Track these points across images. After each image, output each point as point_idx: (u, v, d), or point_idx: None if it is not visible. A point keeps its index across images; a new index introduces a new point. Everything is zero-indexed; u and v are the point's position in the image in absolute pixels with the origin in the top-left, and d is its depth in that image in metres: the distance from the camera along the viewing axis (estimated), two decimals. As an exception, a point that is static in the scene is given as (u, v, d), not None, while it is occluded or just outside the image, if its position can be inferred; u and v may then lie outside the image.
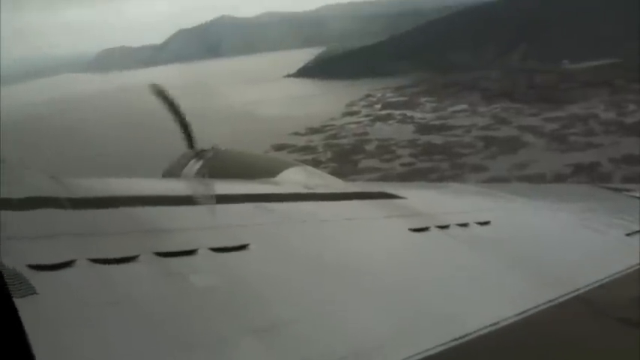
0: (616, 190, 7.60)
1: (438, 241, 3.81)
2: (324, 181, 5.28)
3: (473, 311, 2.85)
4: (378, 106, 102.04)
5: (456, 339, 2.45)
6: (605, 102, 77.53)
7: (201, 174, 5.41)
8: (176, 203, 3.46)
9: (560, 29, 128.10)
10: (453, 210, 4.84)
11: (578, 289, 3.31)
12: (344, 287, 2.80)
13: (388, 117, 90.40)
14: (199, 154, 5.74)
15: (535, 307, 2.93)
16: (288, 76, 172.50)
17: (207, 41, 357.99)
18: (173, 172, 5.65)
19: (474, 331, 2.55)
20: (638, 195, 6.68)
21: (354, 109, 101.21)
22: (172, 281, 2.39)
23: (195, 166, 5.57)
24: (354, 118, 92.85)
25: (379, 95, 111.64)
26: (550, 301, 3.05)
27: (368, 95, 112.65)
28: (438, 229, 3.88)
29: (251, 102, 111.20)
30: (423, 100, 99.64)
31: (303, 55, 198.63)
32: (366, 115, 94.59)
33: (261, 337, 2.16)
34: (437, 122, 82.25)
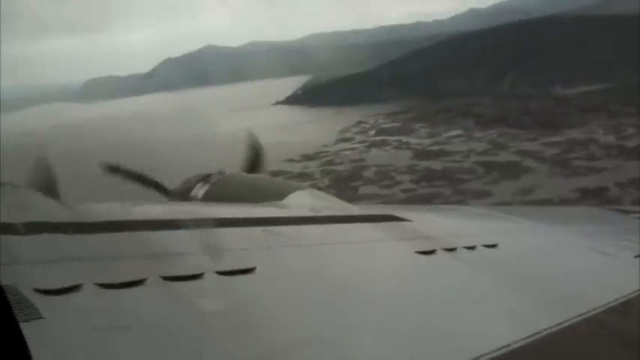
0: (624, 212, 7.55)
1: (445, 264, 3.76)
2: (331, 204, 5.18)
3: (482, 334, 2.84)
4: (372, 132, 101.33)
5: None
6: (603, 126, 77.34)
7: (207, 197, 5.41)
8: (183, 227, 3.32)
9: (550, 55, 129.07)
10: (459, 233, 4.78)
11: (588, 312, 3.28)
12: (351, 310, 2.78)
13: (383, 143, 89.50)
14: (206, 178, 5.69)
15: (545, 330, 2.91)
16: (277, 103, 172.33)
17: (193, 70, 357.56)
18: (180, 195, 5.64)
19: (483, 355, 2.53)
20: None
21: (348, 135, 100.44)
22: (180, 305, 2.40)
23: (201, 189, 5.55)
24: (348, 145, 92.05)
25: (372, 122, 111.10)
26: (559, 323, 3.04)
27: (360, 122, 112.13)
28: (444, 251, 3.83)
29: (242, 129, 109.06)
30: (417, 126, 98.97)
31: (290, 84, 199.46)
32: (361, 142, 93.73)
33: None
34: (434, 148, 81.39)
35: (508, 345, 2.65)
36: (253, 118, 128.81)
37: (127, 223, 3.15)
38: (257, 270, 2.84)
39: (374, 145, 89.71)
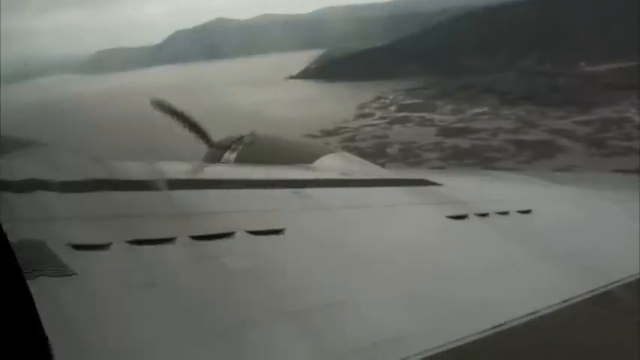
0: None
1: (477, 229, 3.73)
2: (362, 167, 5.12)
3: (511, 300, 2.83)
4: (393, 108, 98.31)
5: (492, 328, 2.47)
6: (636, 105, 74.07)
7: (240, 159, 5.41)
8: (214, 187, 3.43)
9: (574, 32, 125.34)
10: (492, 198, 4.71)
11: (619, 281, 3.24)
12: (378, 275, 2.79)
13: (405, 120, 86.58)
14: (238, 140, 5.72)
15: (575, 297, 2.91)
16: (291, 77, 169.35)
17: (205, 43, 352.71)
18: (213, 157, 5.64)
19: (512, 320, 2.55)
20: None
21: (367, 111, 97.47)
22: (208, 263, 2.44)
23: (234, 151, 5.55)
24: (368, 121, 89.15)
25: (391, 97, 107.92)
26: (590, 291, 3.02)
27: (379, 97, 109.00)
28: (476, 216, 3.80)
29: (257, 103, 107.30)
30: (439, 102, 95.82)
31: (304, 57, 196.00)
32: (382, 118, 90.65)
33: (291, 322, 2.22)
34: (459, 125, 78.51)
35: (535, 312, 2.63)
36: (268, 93, 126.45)
37: (157, 181, 3.13)
38: (286, 231, 2.87)
39: (396, 121, 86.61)
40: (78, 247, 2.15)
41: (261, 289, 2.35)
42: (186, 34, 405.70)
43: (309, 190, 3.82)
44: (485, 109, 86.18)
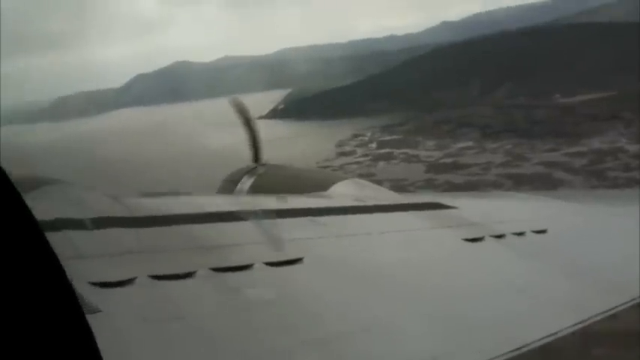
0: None
1: (494, 250, 3.78)
2: (375, 193, 5.19)
3: (532, 321, 2.87)
4: (373, 145, 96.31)
5: (515, 349, 2.48)
6: (624, 135, 73.54)
7: (253, 190, 5.48)
8: (231, 219, 3.48)
9: (546, 64, 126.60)
10: (507, 219, 4.73)
11: (637, 298, 3.26)
12: (398, 300, 2.84)
13: (390, 156, 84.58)
14: (252, 170, 5.81)
15: (595, 316, 2.92)
16: (260, 118, 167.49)
17: (167, 85, 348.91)
18: (227, 188, 5.72)
19: (534, 342, 2.57)
20: None
21: (347, 149, 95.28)
22: (229, 296, 2.50)
23: (248, 181, 5.64)
24: (351, 158, 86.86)
25: (369, 135, 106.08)
26: (610, 309, 3.04)
27: (356, 135, 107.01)
28: (493, 238, 3.85)
29: (232, 144, 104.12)
30: (420, 138, 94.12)
31: (269, 98, 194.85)
32: (364, 155, 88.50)
33: (317, 350, 2.26)
34: (447, 160, 76.75)
35: (556, 332, 2.65)
36: (240, 133, 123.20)
37: (177, 216, 3.19)
38: (304, 260, 2.89)
39: (380, 158, 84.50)
40: (102, 284, 2.17)
41: (284, 318, 2.38)
42: (148, 77, 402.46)
43: (324, 218, 3.83)
44: (470, 143, 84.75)
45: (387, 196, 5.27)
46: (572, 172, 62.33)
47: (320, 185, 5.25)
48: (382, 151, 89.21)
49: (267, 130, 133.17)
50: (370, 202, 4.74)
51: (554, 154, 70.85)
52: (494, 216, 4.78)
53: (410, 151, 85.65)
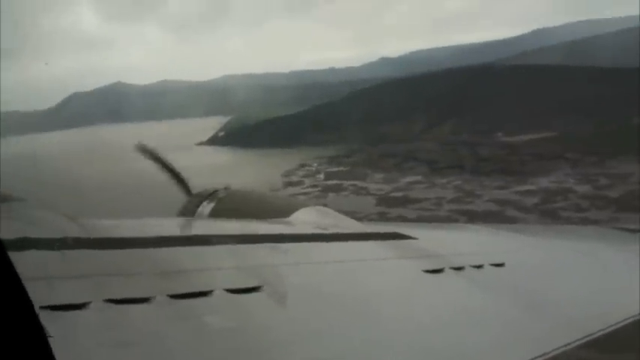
0: (631, 231, 7.20)
1: (453, 283, 3.78)
2: (337, 221, 5.14)
3: (489, 354, 2.90)
4: (321, 176, 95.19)
5: None
6: (571, 175, 74.80)
7: (214, 213, 5.46)
8: (191, 244, 3.45)
9: (488, 103, 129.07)
10: (466, 251, 4.76)
11: (594, 333, 3.32)
12: (358, 330, 2.83)
13: (339, 188, 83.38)
14: (212, 194, 5.73)
15: (552, 351, 2.97)
16: (201, 144, 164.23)
17: (103, 107, 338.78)
18: (186, 213, 5.65)
19: None
20: None
21: (294, 179, 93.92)
22: (188, 322, 2.44)
23: (208, 205, 5.58)
24: (299, 189, 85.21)
25: (316, 165, 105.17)
26: (566, 345, 3.08)
27: (302, 165, 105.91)
28: (452, 270, 3.85)
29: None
30: (367, 171, 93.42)
31: (208, 124, 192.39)
32: (313, 186, 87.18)
33: None
34: (397, 194, 76.03)
35: None
36: (180, 159, 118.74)
37: (136, 239, 3.16)
38: (264, 288, 2.87)
39: (328, 189, 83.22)
40: (53, 307, 2.11)
41: (242, 347, 2.34)
42: (83, 97, 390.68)
43: (285, 245, 3.81)
44: (418, 177, 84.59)
45: (349, 224, 5.18)
46: (524, 210, 62.42)
47: (282, 211, 5.19)
48: (330, 182, 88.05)
49: (210, 156, 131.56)
50: (332, 230, 4.71)
51: (504, 191, 71.23)
52: (454, 248, 4.81)
53: (359, 183, 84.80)
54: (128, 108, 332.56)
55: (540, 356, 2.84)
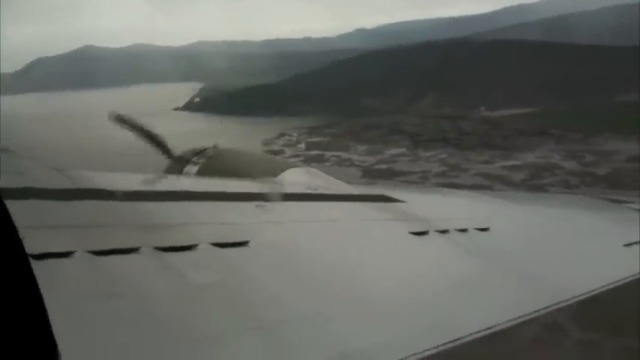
0: (615, 201, 7.28)
1: (437, 245, 3.85)
2: (326, 183, 5.16)
3: (468, 316, 2.94)
4: (302, 146, 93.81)
5: (448, 342, 2.56)
6: (556, 151, 74.45)
7: (202, 172, 5.44)
8: (177, 199, 3.42)
9: (468, 77, 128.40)
10: (452, 215, 4.82)
11: (573, 298, 3.40)
12: (343, 288, 2.86)
13: (321, 158, 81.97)
14: (201, 153, 5.73)
15: (531, 313, 3.04)
16: (177, 109, 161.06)
17: (72, 71, 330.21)
18: (174, 169, 5.62)
19: (467, 335, 2.66)
20: (636, 207, 6.65)
21: (275, 147, 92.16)
22: (172, 275, 2.44)
23: (196, 164, 5.57)
24: (280, 158, 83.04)
25: (296, 135, 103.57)
26: (545, 308, 3.17)
27: (282, 134, 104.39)
28: (437, 233, 3.92)
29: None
30: (350, 142, 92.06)
31: (183, 90, 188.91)
32: (295, 155, 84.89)
33: (257, 335, 2.25)
34: (381, 166, 75.10)
35: (491, 327, 2.76)
36: (158, 124, 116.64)
37: (122, 192, 3.12)
38: (250, 243, 2.87)
39: (311, 159, 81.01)
40: (36, 256, 2.08)
41: (227, 301, 2.36)
42: (51, 61, 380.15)
43: (272, 204, 3.80)
44: (403, 150, 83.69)
45: (337, 186, 5.22)
46: (513, 185, 61.83)
47: (270, 171, 5.19)
48: (312, 152, 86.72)
49: (187, 122, 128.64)
50: (320, 191, 4.72)
51: (490, 166, 70.71)
52: (440, 212, 4.83)
53: (342, 154, 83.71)
54: (100, 73, 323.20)
55: (519, 318, 2.91)
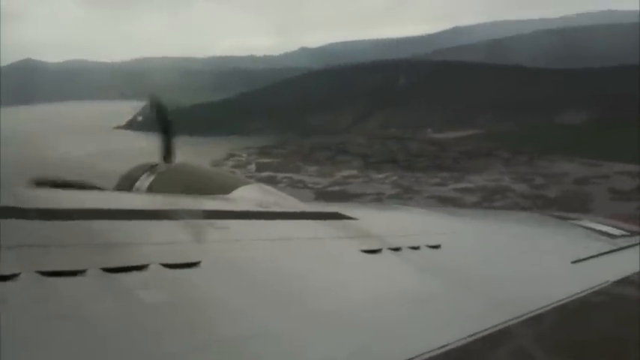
0: (563, 218, 7.43)
1: (390, 263, 3.83)
2: (279, 200, 5.14)
3: (422, 334, 2.93)
4: (252, 167, 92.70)
5: None
6: (506, 174, 75.95)
7: (152, 188, 5.35)
8: (127, 217, 3.39)
9: (415, 98, 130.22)
10: (404, 232, 4.80)
11: (524, 315, 3.42)
12: (295, 308, 2.83)
13: (273, 180, 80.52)
14: (152, 168, 5.63)
15: (482, 332, 3.02)
16: (119, 127, 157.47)
17: (10, 85, 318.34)
18: (124, 185, 5.51)
19: (421, 354, 2.63)
20: (584, 224, 6.79)
21: (224, 169, 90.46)
22: (121, 296, 2.40)
23: (147, 180, 5.46)
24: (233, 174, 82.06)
25: (245, 155, 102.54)
26: (496, 325, 3.15)
27: (231, 155, 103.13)
28: (390, 251, 3.92)
29: (92, 155, 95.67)
30: (300, 163, 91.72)
31: (124, 107, 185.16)
32: (246, 177, 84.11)
33: (212, 355, 2.22)
34: (335, 188, 74.78)
35: (445, 345, 2.73)
36: (100, 143, 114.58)
37: (70, 210, 3.10)
38: (202, 264, 2.84)
39: (262, 181, 75.00)
40: None
41: (178, 322, 2.31)
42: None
43: (224, 222, 3.79)
44: (354, 172, 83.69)
45: (290, 203, 5.20)
46: (466, 208, 62.45)
47: (223, 188, 5.10)
48: (264, 174, 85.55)
49: (130, 141, 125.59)
50: (273, 209, 4.68)
51: (442, 188, 71.40)
52: (392, 229, 4.82)
53: (294, 176, 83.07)
54: (38, 87, 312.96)
55: (472, 335, 2.89)
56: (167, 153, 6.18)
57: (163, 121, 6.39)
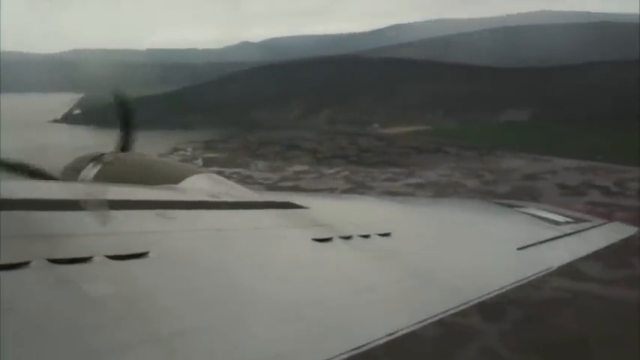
0: (509, 205, 7.53)
1: (341, 251, 3.82)
2: (229, 190, 5.03)
3: (372, 321, 2.94)
4: (199, 162, 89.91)
5: (357, 348, 2.56)
6: (456, 169, 76.18)
7: (99, 178, 5.18)
8: (72, 208, 3.29)
9: (362, 94, 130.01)
10: (355, 221, 4.78)
11: (472, 300, 3.44)
12: (245, 298, 2.82)
13: (221, 175, 78.69)
14: (98, 158, 5.47)
15: (433, 317, 3.06)
16: (55, 121, 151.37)
17: None
18: (69, 175, 5.35)
19: (372, 341, 2.65)
20: (530, 211, 6.86)
21: (173, 159, 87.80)
22: (65, 289, 2.35)
23: (93, 169, 5.29)
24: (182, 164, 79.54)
25: (191, 150, 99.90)
26: (445, 311, 3.18)
27: (176, 149, 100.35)
28: (341, 239, 3.91)
29: (29, 149, 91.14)
30: (248, 158, 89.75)
31: (59, 100, 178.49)
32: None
33: (160, 347, 2.19)
34: (287, 184, 73.16)
35: (397, 331, 2.76)
36: (38, 137, 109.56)
37: (12, 201, 3.04)
38: (150, 254, 2.81)
39: (210, 177, 78.45)
40: None
41: (126, 314, 2.28)
42: None
43: (173, 212, 3.71)
44: (305, 167, 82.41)
45: (240, 193, 5.03)
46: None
47: (172, 177, 4.95)
48: (211, 169, 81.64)
49: (68, 135, 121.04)
50: (223, 198, 4.59)
51: (394, 184, 70.95)
52: (343, 218, 4.81)
53: (242, 171, 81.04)
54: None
55: (421, 322, 2.90)
56: (126, 144, 5.93)
57: (125, 112, 6.16)
